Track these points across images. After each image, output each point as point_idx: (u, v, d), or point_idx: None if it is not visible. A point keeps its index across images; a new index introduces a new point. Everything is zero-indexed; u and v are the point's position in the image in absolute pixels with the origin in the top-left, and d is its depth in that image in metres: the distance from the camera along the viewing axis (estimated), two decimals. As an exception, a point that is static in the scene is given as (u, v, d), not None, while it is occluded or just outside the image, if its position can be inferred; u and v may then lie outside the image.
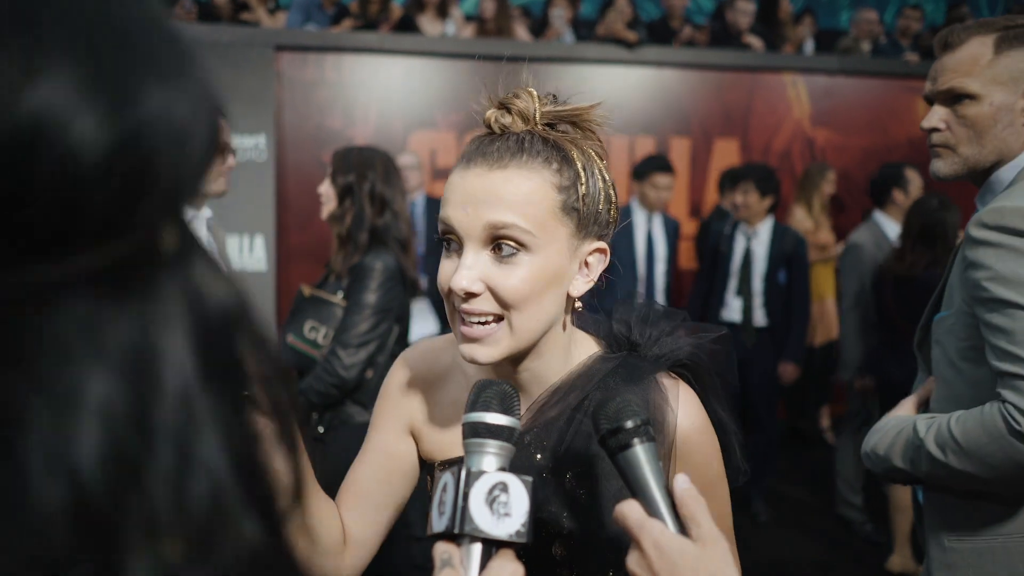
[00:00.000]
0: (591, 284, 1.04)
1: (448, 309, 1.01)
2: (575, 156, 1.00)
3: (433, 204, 5.01)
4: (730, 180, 4.88)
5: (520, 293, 0.96)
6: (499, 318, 0.98)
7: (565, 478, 1.03)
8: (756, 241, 4.35)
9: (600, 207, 1.02)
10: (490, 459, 0.82)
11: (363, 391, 2.63)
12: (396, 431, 1.18)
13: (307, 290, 2.75)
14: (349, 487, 1.21)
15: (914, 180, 4.10)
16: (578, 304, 1.05)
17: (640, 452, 0.82)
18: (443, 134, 5.52)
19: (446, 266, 1.00)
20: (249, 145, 5.13)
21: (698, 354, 1.11)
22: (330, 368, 2.55)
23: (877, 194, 4.21)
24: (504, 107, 1.01)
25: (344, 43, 5.50)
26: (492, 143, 0.99)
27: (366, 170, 2.64)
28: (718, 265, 4.44)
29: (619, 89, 5.70)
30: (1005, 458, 1.36)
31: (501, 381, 0.89)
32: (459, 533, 0.77)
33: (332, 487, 2.75)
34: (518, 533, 0.77)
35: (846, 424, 4.30)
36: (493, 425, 0.83)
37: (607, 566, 1.03)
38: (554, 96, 1.04)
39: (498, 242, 0.95)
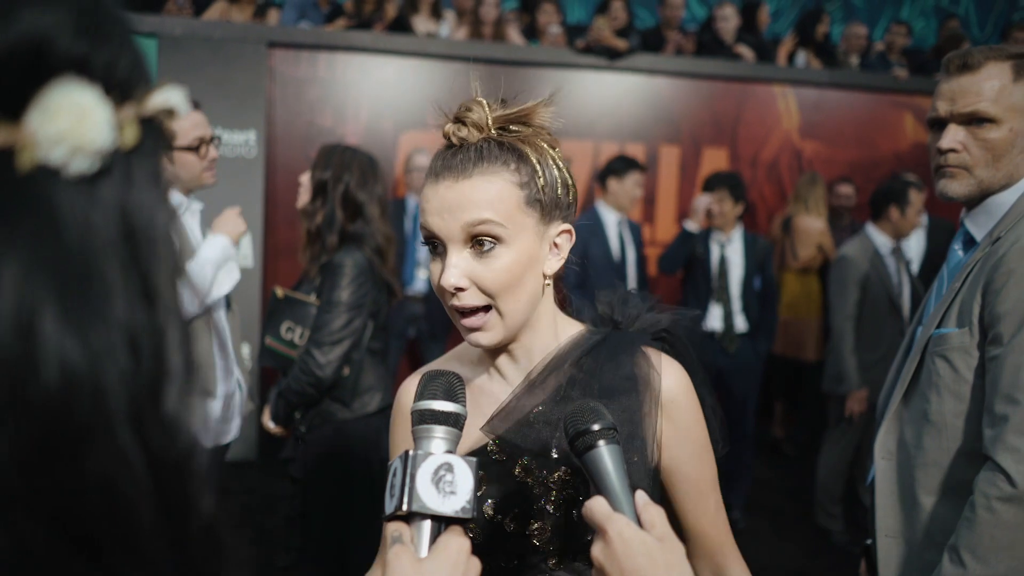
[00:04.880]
0: (562, 261, 1.15)
1: (447, 308, 1.11)
2: (529, 153, 1.10)
3: None
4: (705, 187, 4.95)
5: (501, 281, 1.07)
6: (487, 308, 1.09)
7: (552, 442, 1.12)
8: (730, 248, 4.41)
9: (559, 192, 1.12)
10: (438, 443, 0.89)
11: (341, 388, 2.63)
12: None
13: (280, 292, 2.75)
14: None
15: (915, 201, 4.09)
16: (548, 281, 1.15)
17: (605, 453, 0.89)
18: (434, 135, 5.50)
19: (434, 268, 1.11)
20: (239, 141, 5.12)
21: (676, 327, 1.23)
22: (305, 367, 2.54)
23: (875, 207, 4.21)
24: (459, 121, 1.11)
25: (337, 41, 5.50)
26: (455, 156, 1.09)
27: (342, 171, 2.62)
28: (695, 273, 4.47)
29: (610, 95, 5.72)
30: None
31: (448, 372, 0.97)
32: (408, 511, 0.83)
33: (316, 483, 2.74)
34: (463, 509, 0.84)
35: (828, 435, 4.33)
36: (439, 412, 0.90)
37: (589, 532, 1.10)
38: (503, 100, 1.13)
39: (477, 238, 1.06)
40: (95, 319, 0.36)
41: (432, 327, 5.00)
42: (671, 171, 5.90)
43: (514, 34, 6.10)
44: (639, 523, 0.85)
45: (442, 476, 0.85)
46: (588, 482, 1.08)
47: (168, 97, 0.42)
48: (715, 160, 5.96)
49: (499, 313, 1.09)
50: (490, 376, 1.20)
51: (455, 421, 0.91)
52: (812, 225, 5.16)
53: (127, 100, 0.40)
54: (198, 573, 0.42)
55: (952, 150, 1.61)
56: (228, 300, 2.74)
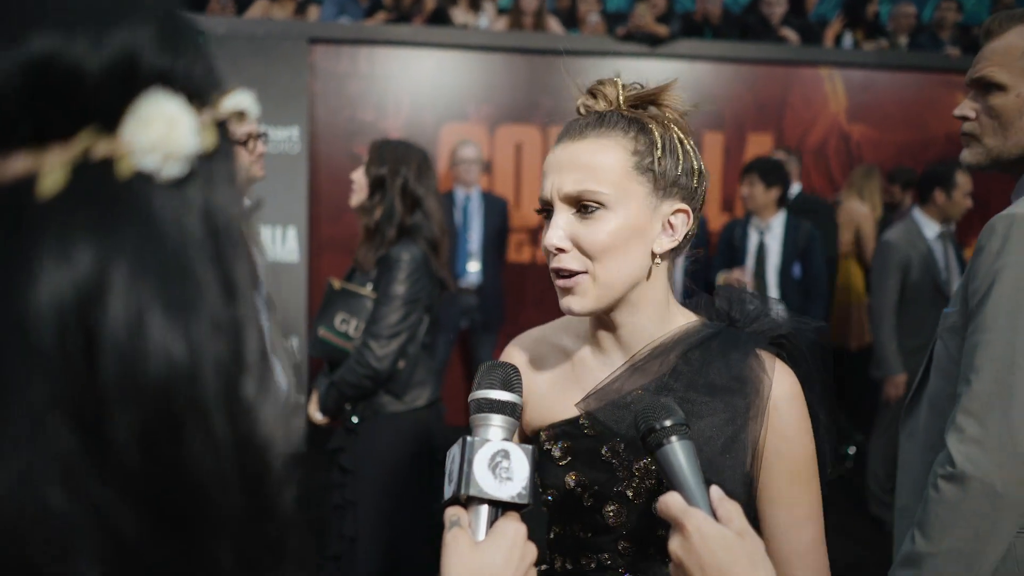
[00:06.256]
0: (675, 243, 1.11)
1: (551, 271, 1.10)
2: (653, 127, 1.10)
3: (489, 199, 5.06)
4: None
5: (601, 244, 1.05)
6: (583, 272, 1.07)
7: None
8: (769, 235, 4.32)
9: (679, 172, 1.09)
10: (495, 430, 0.91)
11: (395, 381, 2.65)
12: None
13: (337, 283, 2.77)
14: None
15: (962, 184, 3.98)
16: (658, 260, 1.10)
17: (678, 448, 0.88)
18: (475, 127, 5.53)
19: (545, 232, 1.10)
20: (282, 137, 5.18)
21: (796, 336, 1.16)
22: (362, 360, 2.57)
23: (921, 191, 4.13)
24: (591, 93, 1.14)
25: (377, 36, 5.53)
26: (577, 122, 1.11)
27: (400, 165, 2.64)
28: (731, 261, 4.41)
29: (653, 82, 5.65)
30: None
31: (504, 363, 0.99)
32: (465, 495, 0.86)
33: (367, 474, 2.77)
34: (519, 495, 0.86)
35: (877, 422, 4.25)
36: (495, 400, 0.93)
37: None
38: (641, 85, 1.15)
39: (580, 203, 1.06)
40: (192, 314, 0.40)
41: (486, 318, 5.00)
42: (715, 158, 5.82)
43: (554, 24, 6.06)
44: (715, 518, 0.84)
45: (499, 462, 0.87)
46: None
47: (239, 101, 0.45)
48: (760, 146, 5.86)
49: (593, 278, 1.06)
50: (592, 352, 1.19)
51: (511, 410, 0.93)
52: (856, 209, 5.06)
53: (204, 106, 0.43)
54: (275, 558, 0.45)
55: (963, 117, 1.57)
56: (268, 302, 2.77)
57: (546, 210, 1.10)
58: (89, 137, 0.38)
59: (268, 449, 0.43)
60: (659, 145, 1.08)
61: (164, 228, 0.39)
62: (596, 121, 1.09)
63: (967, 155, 1.58)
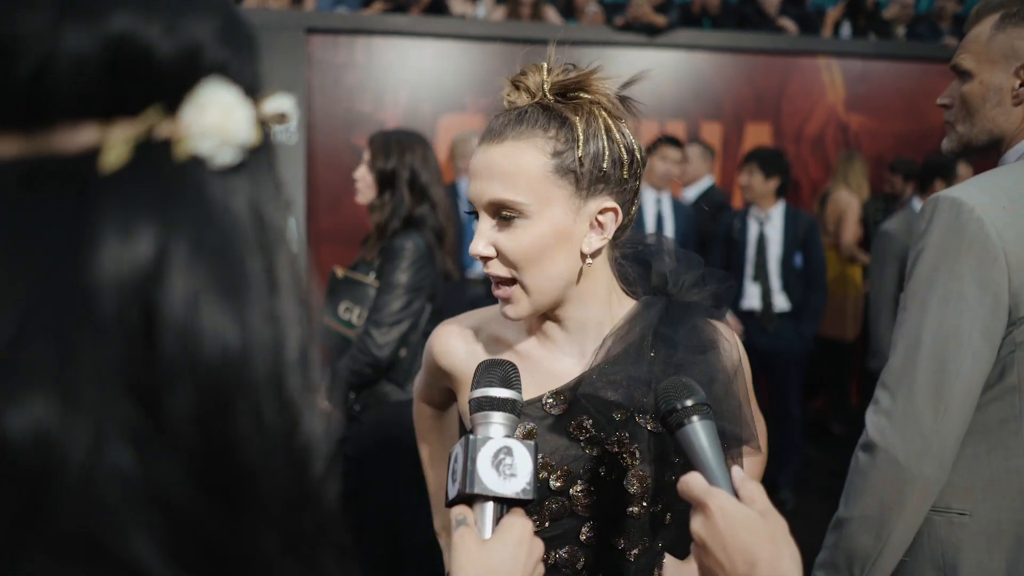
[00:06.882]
0: (605, 240, 1.09)
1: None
2: (576, 121, 1.04)
3: None
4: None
5: (522, 253, 1.04)
6: (512, 281, 1.07)
7: (638, 414, 1.11)
8: (769, 225, 4.31)
9: (605, 166, 1.05)
10: (496, 428, 0.92)
11: (397, 370, 2.65)
12: (435, 387, 1.39)
13: (340, 272, 2.77)
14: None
15: (964, 175, 3.96)
16: (589, 260, 1.09)
17: (699, 428, 0.88)
18: (472, 118, 5.52)
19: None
20: (279, 128, 5.16)
21: (719, 303, 1.22)
22: (364, 348, 2.57)
23: (922, 181, 4.11)
24: (513, 84, 1.09)
25: (375, 26, 5.51)
26: (499, 119, 1.07)
27: (404, 155, 2.63)
28: (732, 252, 4.40)
29: (650, 72, 5.63)
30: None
31: (503, 360, 1.00)
32: (470, 494, 0.86)
33: (370, 462, 2.78)
34: (524, 491, 0.87)
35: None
36: (496, 398, 0.93)
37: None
38: (573, 65, 1.09)
39: (500, 212, 1.04)
40: (244, 299, 0.41)
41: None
42: (713, 148, 5.82)
43: (551, 13, 6.04)
44: (737, 498, 0.84)
45: (502, 459, 0.87)
46: (645, 450, 1.09)
47: (281, 103, 0.47)
48: (758, 136, 5.86)
49: (523, 288, 1.06)
50: (539, 342, 1.18)
51: (512, 407, 0.93)
52: (842, 199, 5.09)
53: (253, 102, 0.45)
54: (315, 559, 0.45)
55: (943, 105, 1.60)
56: None
57: (474, 212, 1.09)
58: (154, 116, 0.40)
59: (310, 443, 0.44)
60: (581, 142, 1.03)
61: (216, 212, 0.41)
62: (516, 120, 1.05)
63: (944, 142, 1.61)
